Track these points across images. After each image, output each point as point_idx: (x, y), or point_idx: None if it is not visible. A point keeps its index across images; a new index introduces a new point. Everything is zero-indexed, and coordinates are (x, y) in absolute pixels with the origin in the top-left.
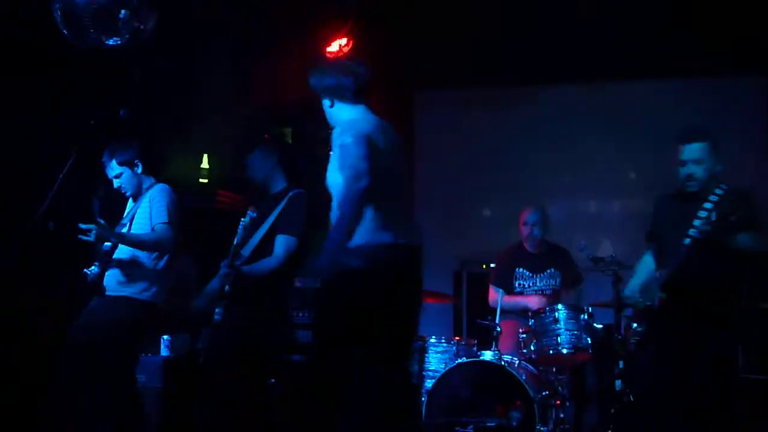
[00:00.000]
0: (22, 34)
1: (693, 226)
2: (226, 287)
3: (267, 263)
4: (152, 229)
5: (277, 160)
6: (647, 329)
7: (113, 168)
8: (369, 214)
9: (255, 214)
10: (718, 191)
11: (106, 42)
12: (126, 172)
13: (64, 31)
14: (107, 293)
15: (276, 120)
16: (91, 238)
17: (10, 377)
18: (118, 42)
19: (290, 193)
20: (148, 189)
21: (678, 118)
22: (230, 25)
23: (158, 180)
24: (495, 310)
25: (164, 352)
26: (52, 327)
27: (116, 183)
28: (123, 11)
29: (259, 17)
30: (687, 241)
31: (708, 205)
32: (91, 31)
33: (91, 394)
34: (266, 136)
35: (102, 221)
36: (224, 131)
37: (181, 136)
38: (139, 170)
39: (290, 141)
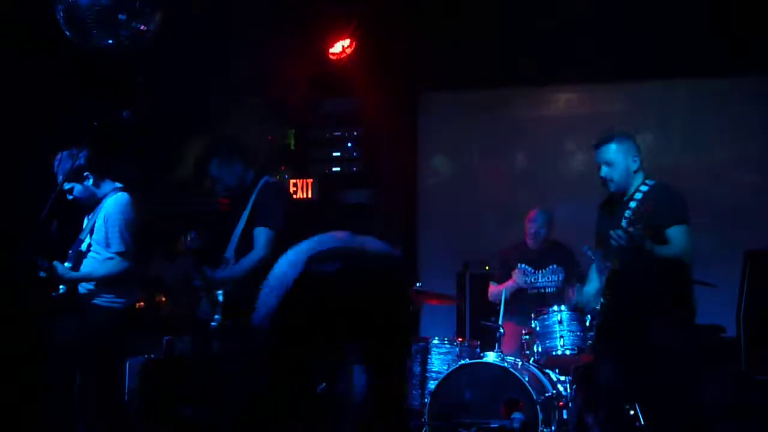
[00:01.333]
0: (25, 35)
1: (621, 227)
2: (220, 297)
3: (248, 260)
4: (111, 254)
5: (240, 158)
6: (595, 334)
7: (63, 184)
8: None
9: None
10: (642, 187)
11: (109, 43)
12: (76, 186)
13: (67, 32)
14: (82, 301)
15: (281, 121)
16: (45, 275)
17: (12, 378)
18: (122, 43)
19: (260, 183)
20: (105, 197)
21: (684, 119)
22: (234, 27)
23: (118, 185)
24: (498, 311)
25: (163, 353)
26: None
27: (69, 197)
28: (125, 13)
29: (262, 19)
30: (613, 243)
31: (633, 204)
32: (93, 32)
33: (77, 398)
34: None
35: (57, 264)
36: (227, 133)
37: (183, 139)
38: (90, 182)
39: (293, 143)
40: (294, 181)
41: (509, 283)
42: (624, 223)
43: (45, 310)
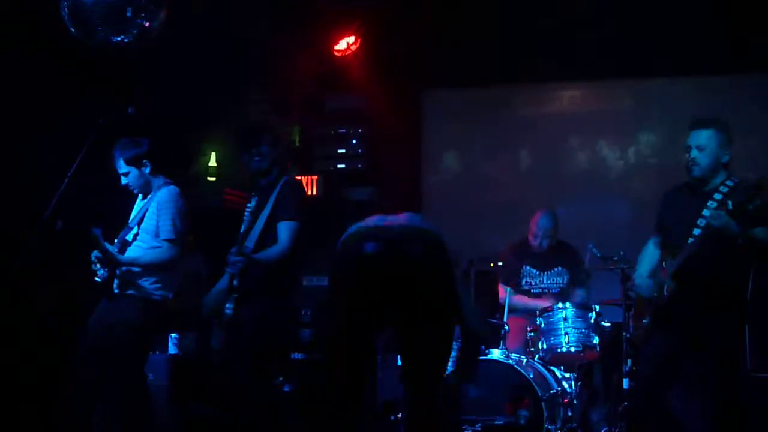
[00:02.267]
0: (30, 32)
1: (702, 216)
2: (235, 281)
3: (274, 250)
4: (159, 242)
5: (278, 148)
6: (653, 319)
7: (120, 166)
8: None
9: (257, 198)
10: (728, 182)
11: (114, 40)
12: (132, 171)
13: (72, 29)
14: (119, 292)
15: (285, 118)
16: (98, 268)
17: (22, 376)
18: (126, 40)
19: (283, 180)
20: (158, 188)
21: (687, 116)
22: (239, 25)
23: (168, 179)
24: (503, 308)
25: (172, 350)
26: (63, 326)
27: (123, 180)
28: (130, 10)
29: (267, 16)
30: (697, 231)
31: (718, 196)
32: (99, 29)
33: (103, 392)
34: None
35: (108, 247)
36: (233, 130)
37: (190, 135)
38: (147, 170)
39: (297, 140)
40: (298, 178)
41: (534, 303)
42: (707, 212)
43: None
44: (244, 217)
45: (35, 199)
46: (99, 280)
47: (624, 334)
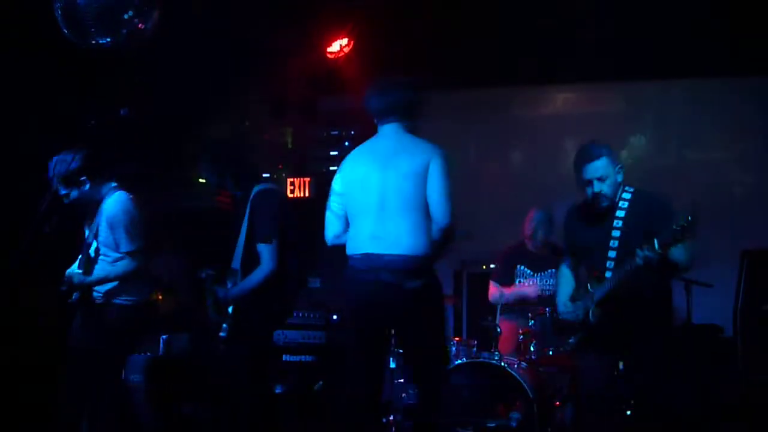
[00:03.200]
0: (23, 33)
1: (613, 238)
2: (229, 309)
3: (255, 275)
4: (121, 254)
5: (226, 165)
6: (580, 340)
7: (59, 188)
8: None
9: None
10: (625, 195)
11: (108, 41)
12: (72, 192)
13: (65, 30)
14: (97, 302)
15: (278, 120)
16: (68, 294)
17: (10, 377)
18: (120, 42)
19: (253, 192)
20: (105, 199)
21: (681, 118)
22: (231, 25)
23: (113, 184)
24: (495, 310)
25: (162, 351)
26: (51, 328)
27: (66, 200)
28: (124, 11)
29: (260, 17)
30: (612, 254)
31: (620, 213)
32: (92, 30)
33: (89, 396)
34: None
35: (73, 273)
36: (224, 131)
37: (181, 136)
38: (87, 187)
39: (290, 141)
40: (291, 179)
41: (521, 289)
42: (617, 233)
43: (57, 316)
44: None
45: (29, 198)
46: (73, 299)
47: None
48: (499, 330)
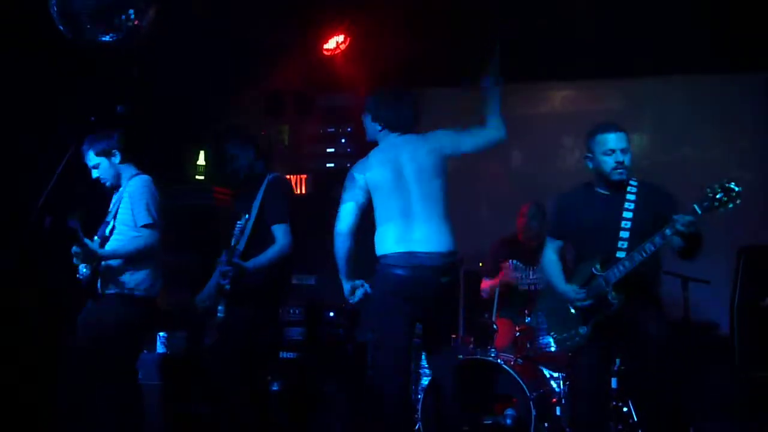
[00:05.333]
0: (19, 30)
1: (625, 219)
2: (227, 285)
3: (272, 251)
4: (137, 231)
5: (254, 145)
6: (596, 327)
7: (91, 158)
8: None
9: (247, 215)
10: (633, 182)
11: (103, 38)
12: (103, 162)
13: (61, 27)
14: (104, 291)
15: (275, 116)
16: (78, 262)
17: (9, 376)
18: (115, 38)
19: (268, 177)
20: (128, 180)
21: (680, 116)
22: (228, 23)
23: (138, 170)
24: (491, 307)
25: (161, 349)
26: (51, 325)
27: (94, 174)
28: (120, 8)
29: (256, 15)
30: (624, 234)
31: (630, 197)
32: (88, 27)
33: (94, 392)
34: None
35: (87, 241)
36: (221, 128)
37: (178, 133)
38: (117, 160)
39: (286, 138)
40: (288, 176)
41: (499, 277)
42: (629, 215)
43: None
44: (235, 231)
45: (27, 196)
46: (81, 278)
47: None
48: (495, 327)
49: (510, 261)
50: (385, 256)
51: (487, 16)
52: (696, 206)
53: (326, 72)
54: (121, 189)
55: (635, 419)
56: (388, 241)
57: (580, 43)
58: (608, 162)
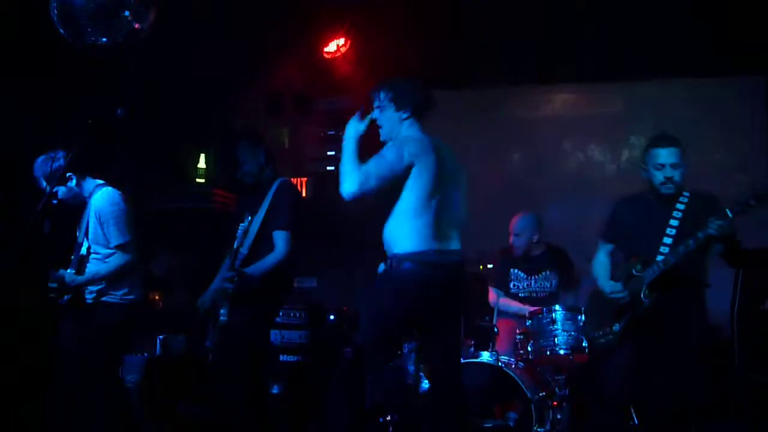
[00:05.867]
0: (19, 32)
1: (671, 226)
2: (229, 290)
3: (271, 258)
4: (112, 250)
5: (264, 149)
6: (626, 327)
7: (46, 187)
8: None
9: (251, 217)
10: (686, 193)
11: (103, 41)
12: (60, 189)
13: (61, 30)
14: (88, 302)
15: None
16: (56, 295)
17: (8, 377)
18: (115, 41)
19: (276, 183)
20: (92, 194)
21: (680, 119)
22: (228, 25)
23: (100, 180)
24: (493, 310)
25: (160, 351)
26: (49, 327)
27: (54, 200)
28: (120, 11)
29: (256, 17)
30: (667, 240)
31: (680, 206)
32: (88, 30)
33: (82, 397)
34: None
35: (62, 273)
36: (221, 131)
37: (179, 136)
38: (73, 183)
39: (287, 141)
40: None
41: (518, 308)
42: (675, 222)
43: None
44: (238, 232)
45: (26, 198)
46: (63, 302)
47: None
48: (496, 330)
49: (511, 270)
50: (418, 253)
51: (487, 18)
52: (728, 210)
53: (327, 74)
54: (86, 207)
55: (636, 422)
56: (419, 237)
57: (581, 47)
58: (657, 176)
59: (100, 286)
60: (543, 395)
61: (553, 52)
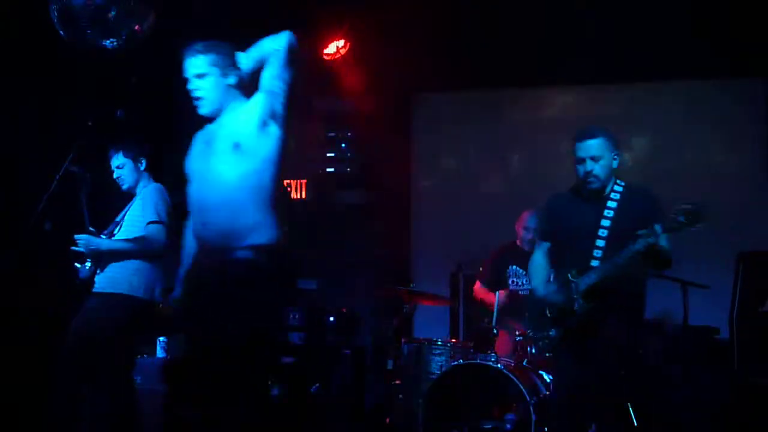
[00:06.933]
0: (20, 34)
1: (602, 227)
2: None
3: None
4: (144, 228)
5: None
6: (563, 333)
7: (118, 158)
8: None
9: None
10: (616, 187)
11: (103, 43)
12: (128, 164)
13: (61, 32)
14: (103, 291)
15: None
16: (81, 248)
17: (8, 377)
18: (115, 43)
19: None
20: (144, 187)
21: (679, 121)
22: (227, 26)
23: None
24: (492, 312)
25: (161, 353)
26: (50, 327)
27: (116, 173)
28: (119, 12)
29: (256, 18)
30: (600, 242)
31: (612, 204)
32: (88, 31)
33: (89, 393)
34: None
35: (92, 229)
36: None
37: (178, 137)
38: (142, 167)
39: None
40: (288, 181)
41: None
42: (607, 222)
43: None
44: None
45: (27, 199)
46: (82, 276)
47: None
48: (495, 332)
49: (510, 267)
50: None
51: (486, 21)
52: (658, 226)
53: (326, 76)
54: (135, 197)
55: (635, 423)
56: None
57: (580, 49)
58: (579, 171)
59: (115, 272)
60: (542, 397)
61: (552, 54)
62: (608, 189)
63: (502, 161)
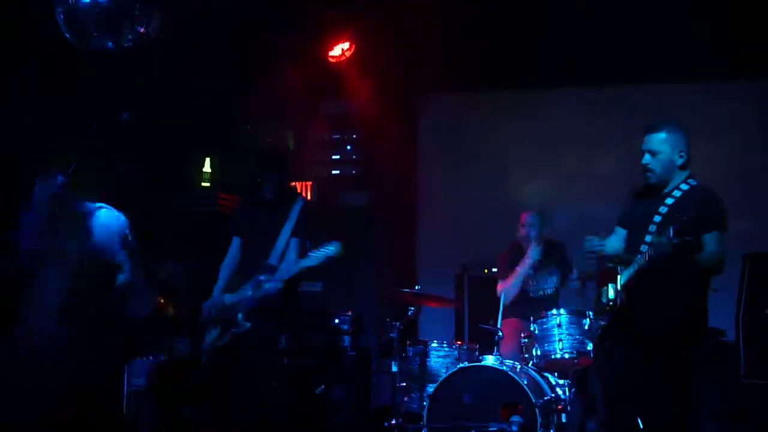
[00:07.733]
0: (25, 37)
1: (653, 222)
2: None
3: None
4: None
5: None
6: (609, 324)
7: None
8: None
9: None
10: (683, 186)
11: (109, 45)
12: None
13: (67, 34)
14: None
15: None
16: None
17: None
18: (121, 46)
19: (300, 200)
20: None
21: (684, 123)
22: (233, 30)
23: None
24: (497, 313)
25: (163, 356)
26: None
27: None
28: (125, 16)
29: (262, 21)
30: (648, 238)
31: (669, 201)
32: (94, 34)
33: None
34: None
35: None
36: (226, 135)
37: (184, 140)
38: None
39: (292, 144)
40: (293, 183)
41: (517, 273)
42: (657, 218)
43: None
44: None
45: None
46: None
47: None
48: (501, 334)
49: (519, 267)
50: None
51: (490, 23)
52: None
53: (332, 79)
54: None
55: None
56: None
57: (583, 52)
58: (641, 163)
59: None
60: (548, 399)
61: (555, 55)
62: (672, 185)
63: (506, 162)
